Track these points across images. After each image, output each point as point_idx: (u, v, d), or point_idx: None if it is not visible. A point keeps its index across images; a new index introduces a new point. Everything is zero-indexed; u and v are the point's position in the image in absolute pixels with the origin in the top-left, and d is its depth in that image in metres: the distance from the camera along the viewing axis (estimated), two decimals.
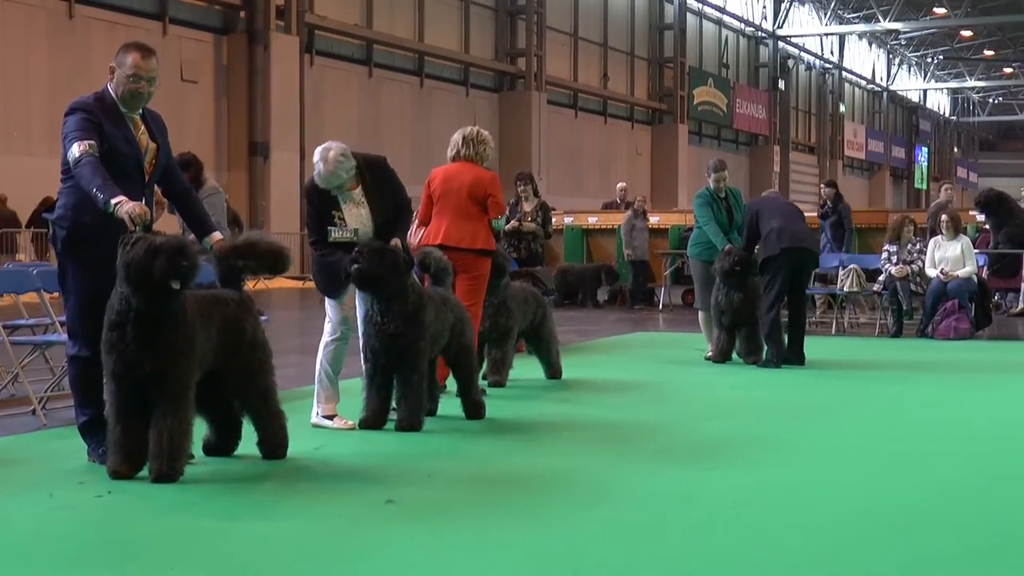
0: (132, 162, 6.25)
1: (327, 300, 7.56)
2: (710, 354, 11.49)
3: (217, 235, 6.60)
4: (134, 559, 4.60)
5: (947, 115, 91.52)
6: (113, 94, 6.30)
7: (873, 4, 61.31)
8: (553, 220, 16.25)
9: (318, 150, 7.28)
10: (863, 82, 74.56)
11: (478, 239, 8.75)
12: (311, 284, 7.81)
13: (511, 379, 9.68)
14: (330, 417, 7.47)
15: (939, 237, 14.38)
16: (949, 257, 14.15)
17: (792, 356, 11.03)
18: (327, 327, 7.57)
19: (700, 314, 11.67)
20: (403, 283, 7.28)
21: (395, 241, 7.33)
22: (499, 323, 9.34)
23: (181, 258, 5.62)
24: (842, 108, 68.99)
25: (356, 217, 7.40)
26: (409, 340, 7.32)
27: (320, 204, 7.38)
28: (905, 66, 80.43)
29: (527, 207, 15.11)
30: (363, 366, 7.55)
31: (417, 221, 8.99)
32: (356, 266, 7.17)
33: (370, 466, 6.35)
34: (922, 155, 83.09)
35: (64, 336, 6.73)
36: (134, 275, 5.64)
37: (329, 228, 7.34)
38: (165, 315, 5.72)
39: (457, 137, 8.99)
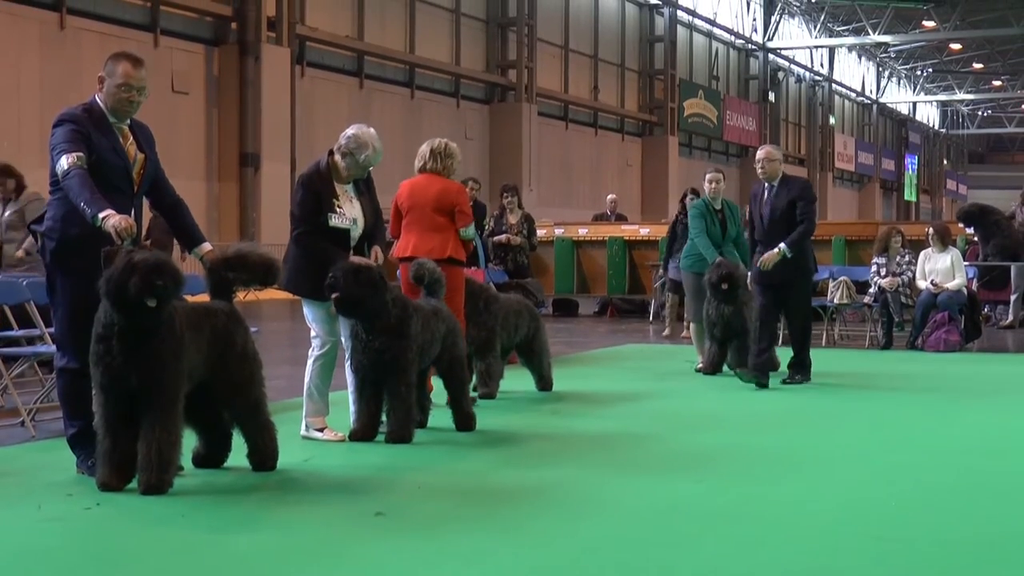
0: (120, 173, 6.25)
1: (310, 314, 7.52)
2: (700, 366, 11.49)
3: (207, 246, 6.60)
4: (123, 571, 4.59)
5: (936, 127, 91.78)
6: (102, 105, 6.30)
7: (863, 17, 61.50)
8: (539, 231, 16.27)
9: (358, 134, 7.39)
10: (853, 94, 74.77)
11: (446, 249, 8.75)
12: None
13: (502, 391, 9.69)
14: (320, 429, 7.47)
15: (929, 249, 14.40)
16: (939, 269, 14.17)
17: (764, 374, 10.55)
18: (314, 342, 7.56)
19: (691, 326, 11.67)
20: (382, 299, 7.25)
21: (375, 252, 7.33)
22: (472, 335, 9.31)
23: (156, 276, 5.60)
24: (832, 120, 69.16)
25: (352, 210, 7.46)
26: (395, 354, 7.31)
27: (323, 192, 7.38)
28: (895, 79, 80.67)
29: (512, 219, 15.14)
30: (351, 379, 7.54)
31: (390, 235, 9.04)
32: (336, 294, 7.17)
33: (360, 478, 6.35)
34: (912, 167, 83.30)
35: (53, 347, 6.71)
36: (112, 292, 5.63)
37: (330, 214, 7.35)
38: (152, 328, 5.71)
39: (425, 149, 9.03)
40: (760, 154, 10.50)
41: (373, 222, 7.58)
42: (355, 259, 7.28)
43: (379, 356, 7.32)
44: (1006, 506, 5.79)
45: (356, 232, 7.48)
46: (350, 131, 7.47)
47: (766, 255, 10.24)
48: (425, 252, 8.61)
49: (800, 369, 10.66)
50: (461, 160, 9.25)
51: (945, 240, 14.47)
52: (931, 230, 14.61)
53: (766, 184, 10.41)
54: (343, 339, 7.54)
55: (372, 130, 7.52)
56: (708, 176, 11.45)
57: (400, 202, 8.95)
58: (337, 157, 7.45)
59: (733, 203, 11.71)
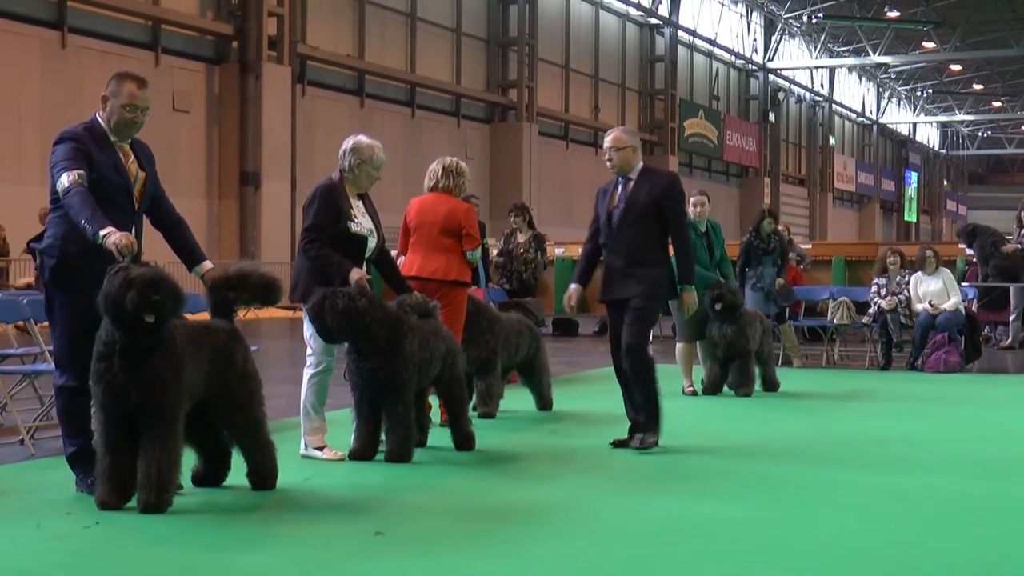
0: (121, 191, 6.26)
1: (309, 328, 7.52)
2: (688, 388, 11.45)
3: (208, 264, 6.61)
4: None
5: (936, 148, 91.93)
6: (103, 123, 6.31)
7: (863, 38, 61.68)
8: (547, 250, 16.29)
9: (356, 146, 7.59)
10: (853, 115, 74.91)
11: (451, 271, 8.73)
12: (301, 313, 7.79)
13: (502, 410, 9.68)
14: (320, 448, 7.46)
15: (919, 273, 14.37)
16: (932, 291, 14.16)
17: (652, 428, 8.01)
18: (309, 360, 7.56)
19: (679, 345, 11.61)
20: (357, 325, 7.20)
21: (361, 275, 7.33)
22: (473, 355, 9.29)
23: (152, 291, 5.60)
24: (832, 141, 69.27)
25: (366, 222, 7.59)
26: (388, 373, 7.29)
27: (341, 203, 7.47)
28: (895, 99, 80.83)
29: (521, 238, 15.16)
30: (352, 394, 7.55)
31: (397, 251, 9.08)
32: (315, 325, 7.24)
33: (359, 497, 6.34)
34: (911, 188, 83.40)
35: (53, 365, 6.71)
36: (110, 308, 5.64)
37: (349, 223, 7.43)
38: (153, 346, 5.71)
39: (436, 167, 9.02)
40: (607, 141, 8.20)
41: (383, 239, 7.69)
42: (354, 274, 7.28)
43: (373, 376, 7.31)
44: (1008, 529, 5.78)
45: (372, 242, 7.56)
46: (347, 146, 7.59)
47: (688, 298, 8.09)
48: (429, 273, 8.61)
49: (644, 427, 7.94)
50: (471, 179, 9.29)
51: (939, 262, 14.42)
52: (929, 252, 14.58)
53: (620, 178, 8.18)
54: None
55: (361, 136, 7.71)
56: (692, 200, 11.37)
57: (408, 219, 8.96)
58: (350, 175, 7.53)
59: (716, 223, 11.63)
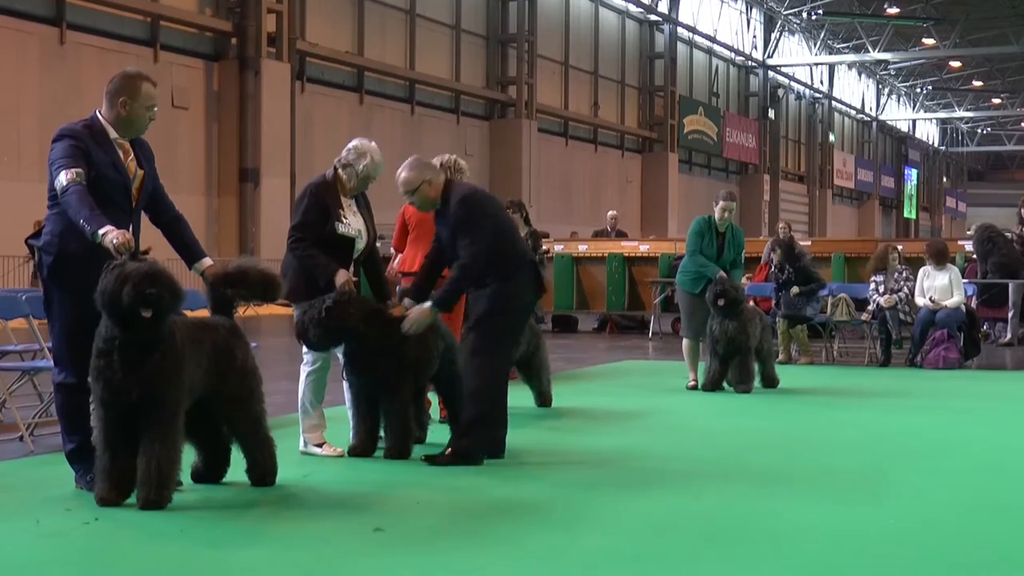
0: (120, 189, 6.25)
1: None
2: (691, 383, 11.50)
3: (208, 261, 6.60)
4: None
5: (936, 145, 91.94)
6: (103, 120, 6.30)
7: (863, 34, 61.69)
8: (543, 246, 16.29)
9: (357, 145, 7.53)
10: (852, 112, 74.93)
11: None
12: None
13: None
14: (319, 445, 7.46)
15: (928, 266, 14.40)
16: (937, 286, 14.17)
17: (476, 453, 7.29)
18: (306, 357, 7.54)
19: (684, 342, 11.68)
20: (339, 329, 7.17)
21: (347, 277, 7.30)
22: None
23: (147, 285, 5.59)
24: (832, 137, 69.30)
25: (356, 222, 7.53)
26: (382, 371, 7.28)
27: (330, 202, 7.43)
28: (894, 96, 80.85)
29: None
30: (347, 393, 7.55)
31: (392, 248, 9.08)
32: (302, 343, 7.27)
33: (358, 494, 6.34)
34: (911, 185, 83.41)
35: (52, 362, 6.71)
36: (106, 303, 5.63)
37: (336, 223, 7.39)
38: (151, 341, 5.71)
39: (435, 164, 9.01)
40: (399, 187, 7.41)
41: (373, 239, 7.63)
42: (340, 276, 7.24)
43: (368, 374, 7.31)
44: (1007, 526, 5.78)
45: (360, 244, 7.52)
46: (351, 143, 7.57)
47: (416, 314, 7.25)
48: None
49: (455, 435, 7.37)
50: (470, 176, 9.28)
51: (945, 257, 14.45)
52: (926, 249, 14.60)
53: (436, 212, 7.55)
54: (338, 354, 7.54)
55: (373, 143, 7.61)
56: (721, 203, 11.41)
57: (407, 216, 8.97)
58: (340, 171, 7.51)
59: (740, 229, 11.68)
